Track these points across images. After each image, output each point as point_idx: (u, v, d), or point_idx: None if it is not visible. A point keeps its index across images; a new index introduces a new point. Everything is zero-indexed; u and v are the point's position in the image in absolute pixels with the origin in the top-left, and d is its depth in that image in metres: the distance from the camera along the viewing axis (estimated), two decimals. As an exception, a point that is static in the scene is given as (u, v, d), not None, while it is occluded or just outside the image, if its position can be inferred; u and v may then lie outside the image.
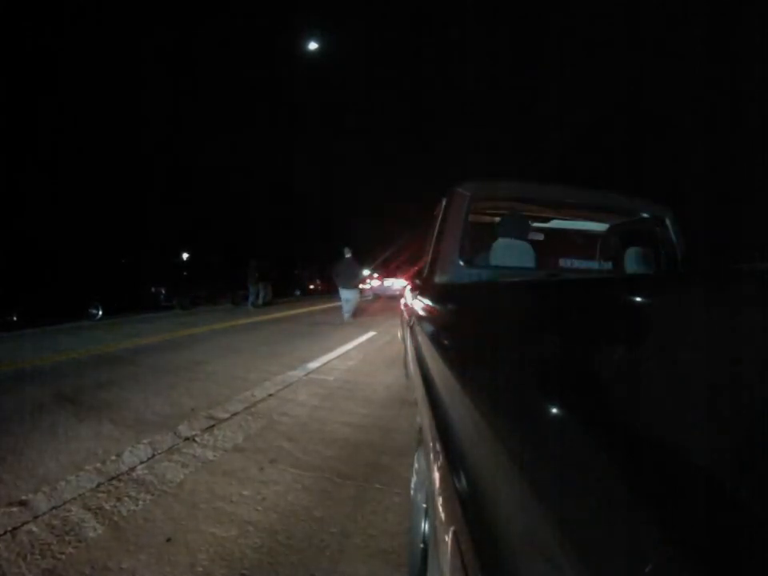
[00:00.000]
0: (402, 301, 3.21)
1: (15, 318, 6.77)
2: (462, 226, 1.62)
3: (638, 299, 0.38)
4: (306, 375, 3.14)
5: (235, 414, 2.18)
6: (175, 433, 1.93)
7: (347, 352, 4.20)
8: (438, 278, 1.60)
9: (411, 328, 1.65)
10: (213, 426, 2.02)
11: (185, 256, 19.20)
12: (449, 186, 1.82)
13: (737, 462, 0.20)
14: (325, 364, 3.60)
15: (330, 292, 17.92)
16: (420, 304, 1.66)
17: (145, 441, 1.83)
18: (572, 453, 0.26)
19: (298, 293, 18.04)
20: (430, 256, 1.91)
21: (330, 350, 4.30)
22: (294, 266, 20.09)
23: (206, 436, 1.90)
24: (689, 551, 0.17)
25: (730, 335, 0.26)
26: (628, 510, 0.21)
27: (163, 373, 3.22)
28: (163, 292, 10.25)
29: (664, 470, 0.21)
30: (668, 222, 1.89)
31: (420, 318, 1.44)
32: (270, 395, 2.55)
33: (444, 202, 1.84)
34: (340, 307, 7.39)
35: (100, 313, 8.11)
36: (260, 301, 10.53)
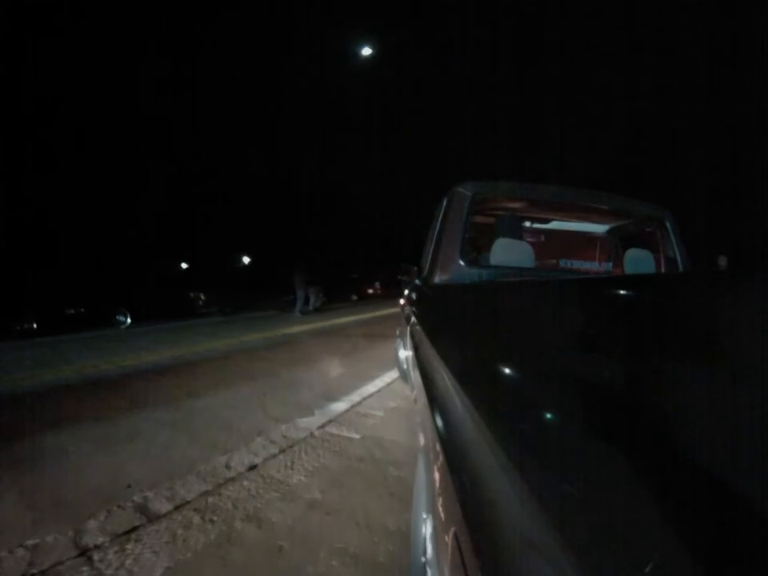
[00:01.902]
0: (402, 301, 3.12)
1: (35, 326, 6.67)
2: (462, 226, 1.63)
3: (638, 299, 0.37)
4: (321, 427, 2.21)
5: (181, 506, 1.44)
6: (76, 536, 1.28)
7: (391, 384, 3.13)
8: (439, 278, 1.61)
9: (411, 328, 1.63)
10: (134, 529, 1.26)
11: (246, 260, 19.43)
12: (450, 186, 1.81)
13: (737, 462, 0.20)
14: (355, 405, 2.59)
15: (389, 297, 16.96)
16: (420, 304, 1.69)
17: (29, 542, 1.22)
18: (572, 453, 0.27)
19: (354, 297, 16.76)
20: (430, 256, 1.89)
21: (371, 378, 3.25)
22: (352, 270, 18.97)
23: (110, 554, 1.20)
24: (689, 551, 0.17)
25: (729, 335, 0.26)
26: (628, 510, 0.21)
27: (139, 409, 2.59)
28: (202, 297, 9.68)
29: (664, 470, 0.22)
30: (668, 223, 1.88)
31: (420, 317, 1.44)
32: (252, 468, 1.75)
33: (445, 202, 1.84)
34: (397, 314, 6.76)
35: (128, 320, 7.77)
36: (310, 307, 9.54)
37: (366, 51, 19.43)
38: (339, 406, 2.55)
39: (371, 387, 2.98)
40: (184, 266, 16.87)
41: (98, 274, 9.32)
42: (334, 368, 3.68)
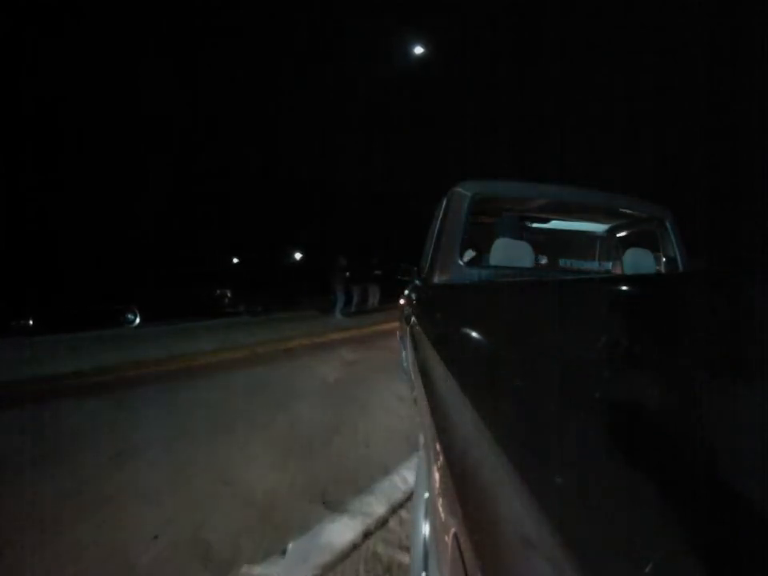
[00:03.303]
0: (402, 301, 3.08)
1: (31, 322, 6.45)
2: (462, 227, 1.64)
3: (638, 299, 0.38)
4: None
5: None
6: None
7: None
8: (438, 278, 1.61)
9: (411, 328, 1.64)
10: None
11: (298, 255, 18.75)
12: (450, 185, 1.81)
13: (737, 461, 0.20)
14: (374, 531, 1.37)
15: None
16: (420, 304, 1.69)
17: None
18: (571, 452, 0.27)
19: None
20: (430, 256, 1.89)
21: (412, 446, 1.97)
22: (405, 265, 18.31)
23: None
24: (689, 551, 0.18)
25: (729, 335, 0.26)
26: (628, 510, 0.21)
27: (26, 478, 1.82)
28: (228, 295, 9.08)
29: (664, 470, 0.22)
30: (668, 223, 1.90)
31: (420, 318, 1.44)
32: None
33: (444, 202, 1.85)
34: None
35: (137, 320, 7.45)
36: (352, 308, 8.90)
37: (419, 50, 19.09)
38: (341, 533, 1.31)
39: (410, 473, 1.62)
40: (235, 260, 16.51)
41: (109, 270, 9.04)
42: (355, 417, 2.48)
